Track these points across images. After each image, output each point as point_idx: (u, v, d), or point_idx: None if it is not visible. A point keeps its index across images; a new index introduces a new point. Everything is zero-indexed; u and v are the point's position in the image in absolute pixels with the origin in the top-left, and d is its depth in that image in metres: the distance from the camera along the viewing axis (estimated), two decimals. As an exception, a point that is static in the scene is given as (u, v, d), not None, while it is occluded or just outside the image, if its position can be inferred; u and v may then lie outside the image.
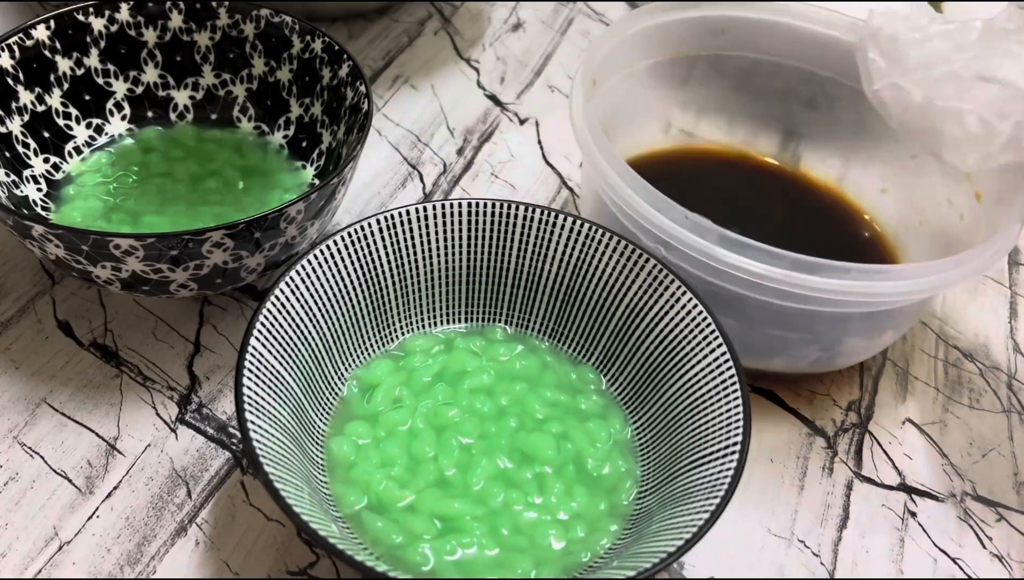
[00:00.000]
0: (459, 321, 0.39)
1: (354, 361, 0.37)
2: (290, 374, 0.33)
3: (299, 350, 0.34)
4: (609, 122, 0.43)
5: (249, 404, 0.30)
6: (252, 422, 0.29)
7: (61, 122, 0.43)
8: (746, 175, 0.50)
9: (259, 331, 0.32)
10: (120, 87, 0.45)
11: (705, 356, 0.34)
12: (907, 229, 0.47)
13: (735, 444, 0.31)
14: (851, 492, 0.39)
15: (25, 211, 0.40)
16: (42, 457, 0.36)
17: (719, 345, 0.34)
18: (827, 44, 0.47)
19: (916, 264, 0.37)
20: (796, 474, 0.40)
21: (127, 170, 0.44)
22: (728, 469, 0.30)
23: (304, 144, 0.45)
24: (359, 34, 0.59)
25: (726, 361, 0.34)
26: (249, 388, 0.30)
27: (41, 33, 0.42)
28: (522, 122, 0.55)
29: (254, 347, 0.31)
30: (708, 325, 0.34)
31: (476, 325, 0.40)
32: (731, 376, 0.33)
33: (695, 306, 0.35)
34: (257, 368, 0.31)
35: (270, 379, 0.32)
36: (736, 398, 0.32)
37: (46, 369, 0.39)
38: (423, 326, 0.39)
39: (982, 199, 0.42)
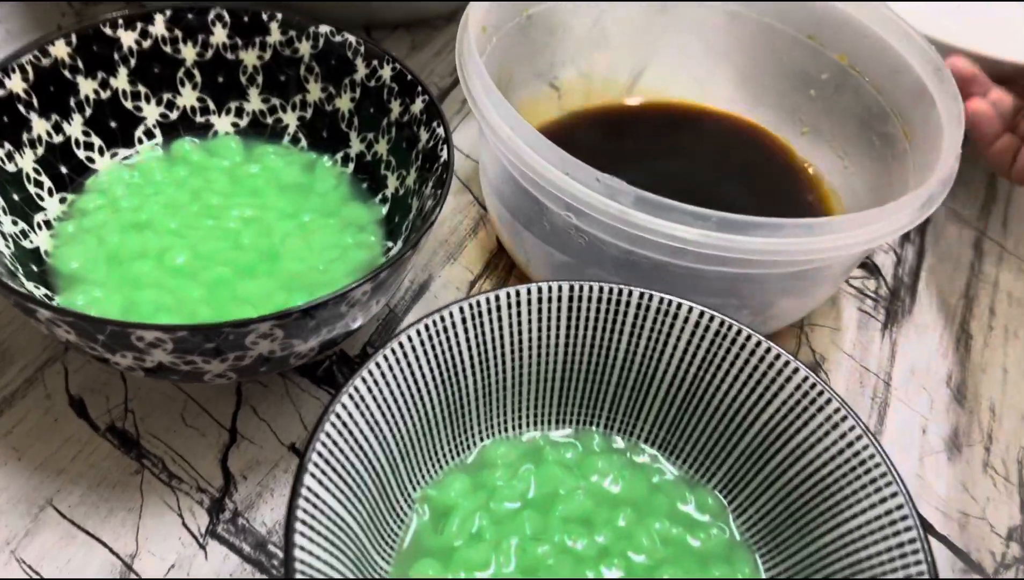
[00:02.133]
0: (549, 425, 0.32)
1: (424, 477, 0.30)
2: (350, 513, 0.26)
3: (362, 477, 0.27)
4: (502, 78, 0.41)
5: (302, 574, 0.23)
6: (305, 598, 0.23)
7: (82, 154, 0.37)
8: (665, 129, 0.47)
9: (314, 466, 0.25)
10: (152, 112, 0.38)
11: (873, 504, 0.27)
12: (834, 171, 0.44)
13: (925, 641, 0.24)
14: (1020, 651, 0.32)
15: (36, 268, 0.33)
16: None
17: (893, 493, 0.27)
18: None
19: (850, 216, 0.32)
20: (953, 625, 0.33)
21: (154, 193, 0.37)
22: (919, 680, 0.23)
23: (365, 185, 0.38)
24: (423, 44, 0.52)
25: (903, 516, 0.26)
26: (303, 548, 0.23)
27: (60, 50, 0.35)
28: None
29: (308, 488, 0.24)
30: (877, 465, 0.27)
31: (570, 430, 0.33)
32: (910, 538, 0.26)
33: (859, 438, 0.28)
34: (312, 518, 0.24)
35: (327, 527, 0.25)
36: (918, 563, 0.25)
37: (54, 461, 0.32)
38: (505, 430, 0.32)
39: (911, 136, 0.39)
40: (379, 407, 0.28)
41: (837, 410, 0.28)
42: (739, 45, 0.47)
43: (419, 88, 0.36)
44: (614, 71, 0.49)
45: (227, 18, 0.38)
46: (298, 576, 0.23)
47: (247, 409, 0.35)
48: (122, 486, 0.32)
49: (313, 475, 0.25)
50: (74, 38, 0.35)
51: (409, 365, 0.29)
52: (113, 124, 0.37)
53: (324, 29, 0.38)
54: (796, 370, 0.29)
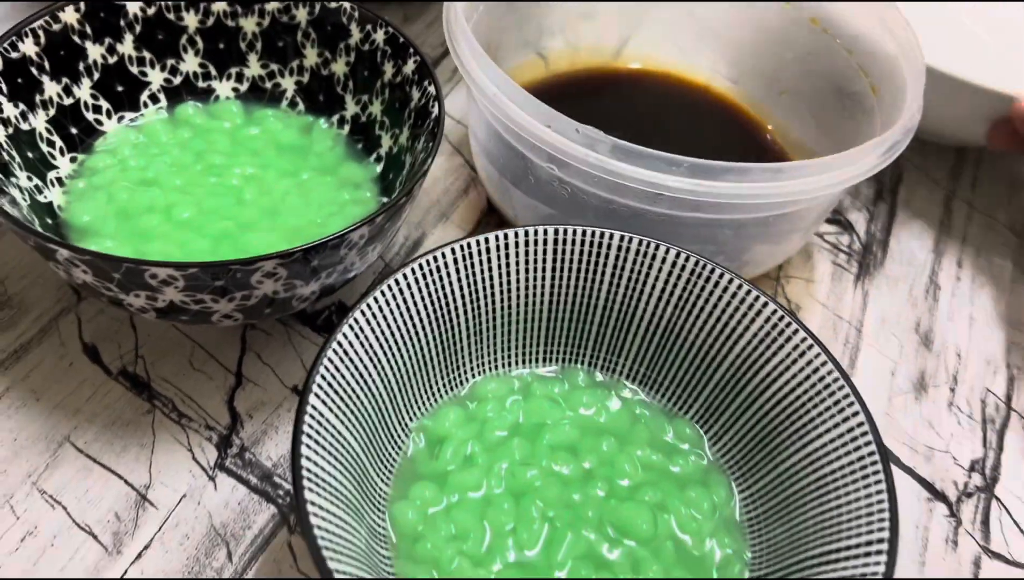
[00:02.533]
0: (537, 362, 0.35)
1: (420, 409, 0.32)
2: (351, 432, 0.28)
3: (361, 402, 0.29)
4: (490, 46, 0.43)
5: (309, 481, 0.25)
6: (311, 502, 0.25)
7: (90, 117, 0.39)
8: (649, 91, 0.49)
9: (318, 388, 0.27)
10: (156, 77, 0.40)
11: (836, 425, 0.29)
12: (807, 131, 0.46)
13: (880, 542, 0.26)
14: (979, 571, 0.34)
15: (50, 221, 0.35)
16: (64, 508, 0.32)
17: (855, 413, 0.29)
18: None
19: (817, 160, 0.34)
20: (916, 547, 0.35)
21: (160, 153, 0.39)
22: (874, 575, 0.25)
23: (360, 146, 0.40)
24: (415, 17, 0.54)
25: (864, 434, 0.28)
26: (307, 458, 0.25)
27: (70, 16, 0.37)
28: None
29: (313, 407, 0.26)
30: (841, 388, 0.29)
31: (556, 366, 0.35)
32: (870, 453, 0.28)
33: (824, 364, 0.30)
34: (316, 433, 0.26)
35: (330, 444, 0.27)
36: (878, 482, 0.27)
37: (70, 401, 0.34)
38: (496, 367, 0.34)
39: (879, 91, 0.41)
40: (377, 339, 0.30)
41: (804, 339, 0.30)
42: (721, 14, 0.48)
43: (411, 49, 0.37)
44: (600, 40, 0.51)
45: (227, -14, 0.39)
46: (304, 482, 0.25)
47: (252, 355, 0.37)
48: (135, 424, 0.34)
49: (317, 395, 0.27)
50: (83, 5, 0.37)
51: (404, 301, 0.31)
52: (120, 88, 0.39)
53: (320, -5, 0.39)
54: (766, 304, 0.31)
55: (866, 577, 0.25)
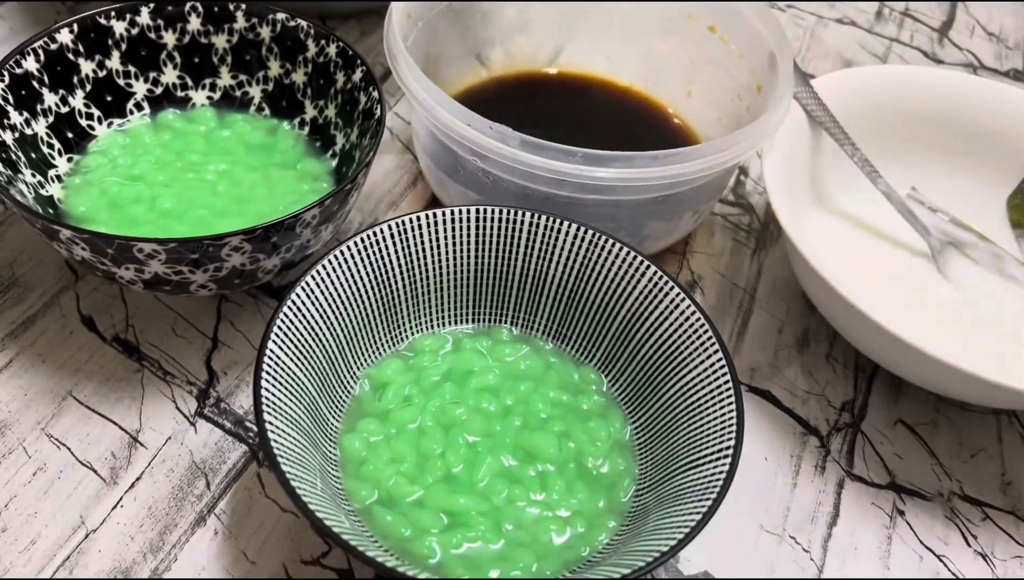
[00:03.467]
0: (467, 322, 0.41)
1: (366, 360, 0.39)
2: (305, 374, 0.35)
3: (313, 351, 0.35)
4: (431, 55, 0.50)
5: (267, 404, 0.31)
6: (270, 422, 0.31)
7: (84, 123, 0.45)
8: (569, 92, 0.55)
9: (276, 335, 0.33)
10: (140, 88, 0.46)
11: (702, 361, 0.36)
12: (709, 125, 0.52)
13: (728, 448, 0.33)
14: (842, 490, 0.41)
15: (51, 211, 0.41)
16: (68, 448, 0.38)
17: (715, 351, 0.35)
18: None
19: (690, 148, 0.40)
20: (790, 472, 0.41)
21: (144, 153, 0.45)
22: (721, 472, 0.32)
23: (318, 144, 0.47)
24: (371, 31, 0.60)
25: (721, 367, 0.35)
26: (267, 390, 0.32)
27: (65, 37, 0.43)
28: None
29: (271, 350, 0.33)
30: (705, 331, 0.36)
31: (483, 326, 0.41)
32: (726, 382, 0.35)
33: (693, 313, 0.36)
34: (274, 370, 0.33)
35: (286, 380, 0.33)
36: (730, 403, 0.34)
37: (71, 363, 0.41)
38: (432, 327, 0.41)
39: (762, 90, 0.48)
40: (327, 299, 0.36)
41: (678, 294, 0.37)
42: (639, 26, 0.55)
43: (358, 60, 0.44)
44: (536, 50, 0.57)
45: (201, 8, 0.46)
46: (264, 409, 0.31)
47: (226, 323, 0.43)
48: (127, 381, 0.40)
49: (274, 340, 0.33)
50: (76, 27, 0.43)
51: (350, 269, 0.37)
52: (109, 98, 0.46)
53: (280, 16, 0.46)
54: (648, 267, 0.38)
55: (715, 475, 0.32)
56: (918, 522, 0.40)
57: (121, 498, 0.37)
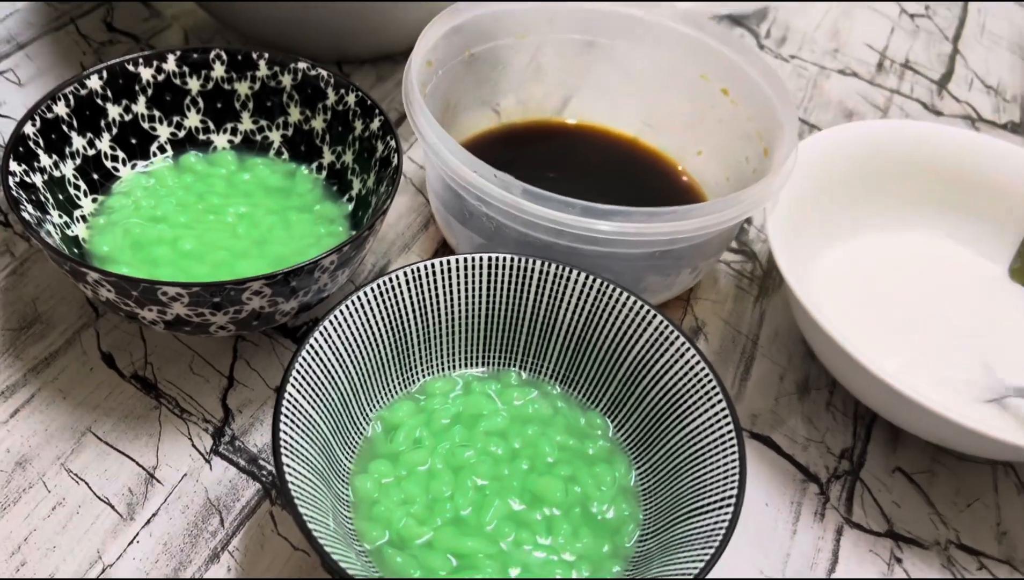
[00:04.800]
0: (477, 365, 0.42)
1: (378, 402, 0.40)
2: (320, 416, 0.36)
3: (329, 393, 0.36)
4: (449, 103, 0.52)
5: (285, 446, 0.32)
6: (287, 464, 0.32)
7: (109, 165, 0.46)
8: (579, 141, 0.57)
9: (294, 378, 0.34)
10: (164, 131, 0.48)
11: (706, 410, 0.37)
12: (718, 184, 0.54)
13: (731, 497, 0.34)
14: (841, 537, 0.42)
15: (76, 250, 0.43)
16: (87, 483, 0.39)
17: (719, 401, 0.36)
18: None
19: (689, 205, 0.41)
20: (789, 518, 0.42)
21: (167, 195, 0.46)
22: (723, 521, 0.33)
23: (335, 188, 0.48)
24: (387, 76, 0.62)
25: (725, 416, 0.36)
26: (285, 432, 0.33)
27: (95, 83, 0.45)
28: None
29: (290, 393, 0.34)
30: (710, 381, 0.37)
31: (493, 369, 0.42)
32: (729, 431, 0.36)
33: (698, 362, 0.38)
34: (292, 412, 0.34)
35: (303, 422, 0.34)
36: (733, 452, 0.35)
37: (90, 399, 0.42)
38: (443, 370, 0.42)
39: (769, 153, 0.49)
40: (343, 343, 0.37)
41: (684, 343, 0.38)
42: (649, 81, 0.57)
43: (377, 110, 0.45)
44: (547, 98, 0.59)
45: (225, 57, 0.47)
46: (282, 450, 0.32)
47: (242, 362, 0.44)
48: (144, 418, 0.41)
49: (292, 385, 0.34)
50: (105, 73, 0.45)
51: (365, 314, 0.38)
52: (134, 141, 0.47)
53: (302, 65, 0.48)
54: (655, 316, 0.39)
55: (719, 523, 0.33)
56: (915, 570, 0.41)
57: (137, 534, 0.38)
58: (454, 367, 0.42)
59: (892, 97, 0.69)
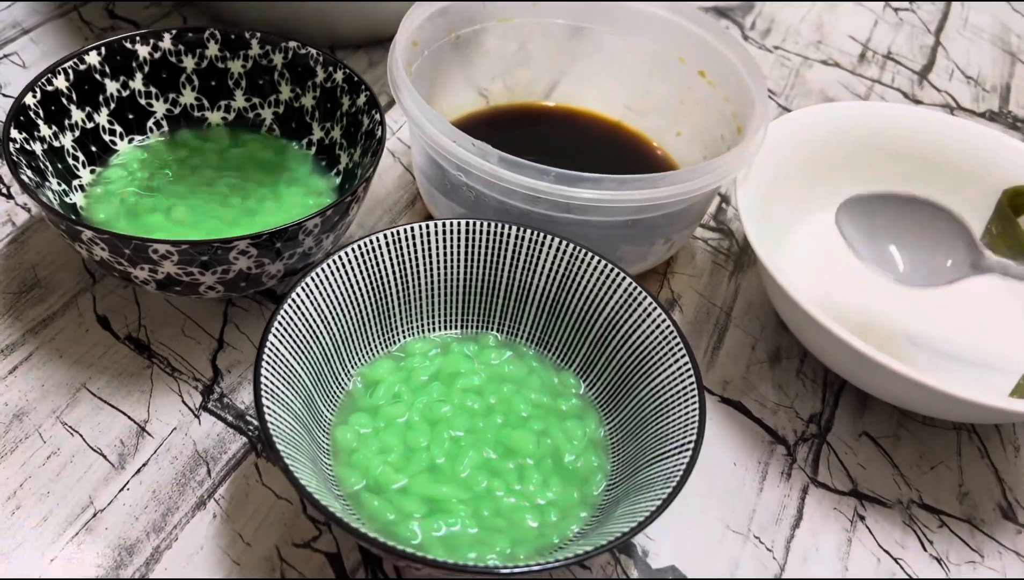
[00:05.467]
0: (455, 328, 0.44)
1: (360, 360, 0.41)
2: (302, 368, 0.37)
3: (311, 348, 0.38)
4: (436, 84, 0.54)
5: (266, 391, 0.34)
6: (268, 407, 0.34)
7: (107, 138, 0.48)
8: (562, 123, 0.58)
9: (276, 329, 0.36)
10: (160, 107, 0.50)
11: (670, 365, 0.38)
12: (695, 163, 0.54)
13: (690, 441, 0.35)
14: (806, 496, 0.43)
15: (73, 217, 0.45)
16: (81, 435, 0.41)
17: (683, 356, 0.38)
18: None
19: (657, 174, 0.43)
20: (756, 477, 0.44)
21: (161, 166, 0.48)
22: (682, 463, 0.34)
23: (324, 163, 0.50)
24: (379, 62, 0.64)
25: (687, 370, 0.38)
26: (266, 378, 0.35)
27: (93, 59, 0.47)
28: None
29: (271, 343, 0.36)
30: (674, 337, 0.39)
31: (470, 332, 0.44)
32: (691, 383, 0.37)
33: (664, 321, 0.39)
34: (273, 361, 0.36)
35: (284, 371, 0.36)
36: (694, 402, 0.37)
37: (86, 358, 0.44)
38: (423, 331, 0.43)
39: (742, 132, 0.50)
40: (325, 299, 0.39)
41: (651, 303, 0.40)
42: (633, 65, 0.58)
43: (363, 86, 0.47)
44: (533, 83, 0.61)
45: (219, 36, 0.49)
46: (262, 393, 0.34)
47: (231, 325, 0.46)
48: (137, 376, 0.43)
49: (275, 334, 0.36)
50: (103, 50, 0.47)
51: (346, 273, 0.40)
52: (131, 116, 0.49)
53: (292, 44, 0.50)
54: (624, 278, 0.41)
55: (678, 466, 0.35)
56: (877, 527, 0.42)
57: (128, 482, 0.39)
58: (434, 329, 0.44)
59: (873, 87, 0.71)
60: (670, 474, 0.34)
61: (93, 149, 0.48)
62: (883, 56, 0.74)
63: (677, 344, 0.38)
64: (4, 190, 0.51)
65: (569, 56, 0.60)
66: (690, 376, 0.37)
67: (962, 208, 0.55)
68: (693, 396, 0.37)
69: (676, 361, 0.38)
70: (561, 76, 0.61)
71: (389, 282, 0.42)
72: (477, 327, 0.44)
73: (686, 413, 0.37)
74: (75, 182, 0.46)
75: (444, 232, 0.42)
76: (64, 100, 0.46)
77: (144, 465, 0.40)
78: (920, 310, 0.51)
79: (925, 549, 0.42)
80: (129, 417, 0.42)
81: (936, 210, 0.47)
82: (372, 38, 0.64)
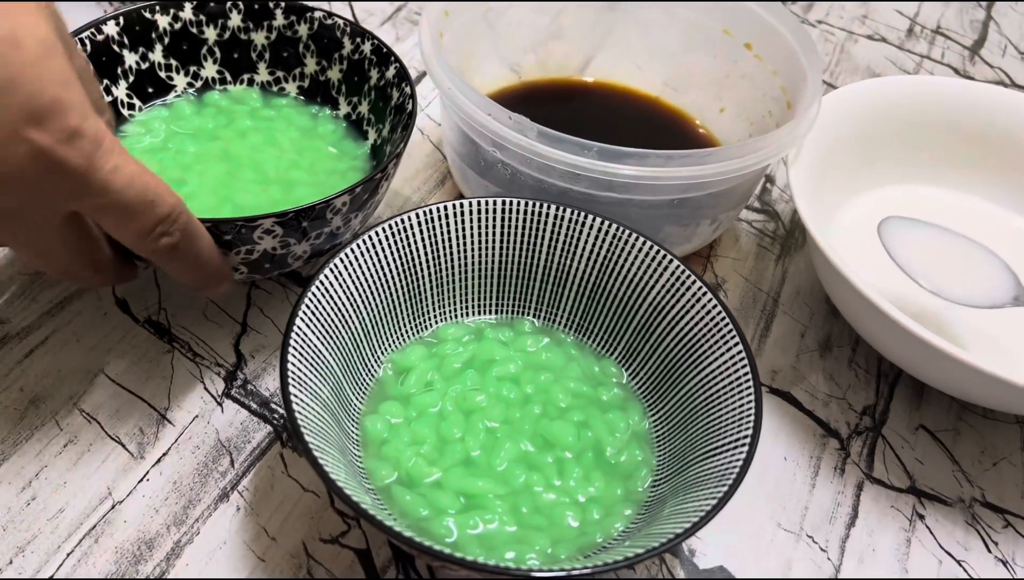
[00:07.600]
0: (490, 313, 0.42)
1: (390, 345, 0.39)
2: (331, 354, 0.35)
3: (340, 332, 0.36)
4: (467, 58, 0.51)
5: (293, 378, 0.32)
6: (295, 394, 0.32)
7: (125, 112, 0.46)
8: (598, 100, 0.56)
9: (304, 312, 0.34)
10: (181, 81, 0.48)
11: (722, 354, 0.36)
12: (739, 139, 0.52)
13: (746, 437, 0.33)
14: (861, 492, 0.41)
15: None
16: (99, 423, 0.39)
17: (735, 344, 0.36)
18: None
19: (704, 150, 0.40)
20: (808, 473, 0.41)
21: (182, 130, 0.46)
22: (738, 460, 0.32)
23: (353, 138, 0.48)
24: (405, 37, 0.62)
25: (741, 359, 0.35)
26: (293, 363, 0.33)
27: (111, 29, 0.45)
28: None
29: (298, 327, 0.34)
30: (726, 324, 0.36)
31: (505, 317, 0.42)
32: (745, 374, 0.35)
33: (715, 306, 0.37)
34: (301, 346, 0.33)
35: (312, 357, 0.34)
36: (749, 394, 0.34)
37: (104, 342, 0.42)
38: (456, 316, 0.41)
39: (792, 107, 0.47)
40: (354, 281, 0.37)
41: (700, 288, 0.37)
42: (673, 37, 0.56)
43: (392, 57, 0.45)
44: (568, 58, 0.58)
45: (241, 5, 0.47)
46: (289, 380, 0.32)
47: (255, 309, 0.44)
48: (157, 361, 0.41)
49: (302, 317, 0.34)
50: (121, 20, 0.45)
51: (377, 254, 0.38)
52: (150, 89, 0.47)
53: (319, 14, 0.47)
54: (671, 261, 0.38)
55: (734, 462, 0.32)
56: (938, 527, 0.40)
57: (148, 472, 0.37)
58: (467, 314, 0.41)
59: (922, 62, 0.68)
60: (724, 471, 0.32)
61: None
62: (932, 31, 0.71)
63: (729, 331, 0.36)
64: (20, 167, 0.49)
65: (604, 29, 0.57)
66: (744, 366, 0.35)
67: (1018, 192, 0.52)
68: (748, 387, 0.34)
69: (728, 350, 0.36)
70: (596, 50, 0.58)
71: (421, 264, 0.39)
72: (513, 312, 0.42)
73: (740, 405, 0.34)
74: (93, 158, 0.44)
75: (479, 211, 0.39)
76: (81, 72, 0.44)
77: (164, 455, 0.38)
78: (964, 320, 0.47)
79: (990, 551, 0.39)
80: (149, 404, 0.40)
81: (982, 249, 0.44)
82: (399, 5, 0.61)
